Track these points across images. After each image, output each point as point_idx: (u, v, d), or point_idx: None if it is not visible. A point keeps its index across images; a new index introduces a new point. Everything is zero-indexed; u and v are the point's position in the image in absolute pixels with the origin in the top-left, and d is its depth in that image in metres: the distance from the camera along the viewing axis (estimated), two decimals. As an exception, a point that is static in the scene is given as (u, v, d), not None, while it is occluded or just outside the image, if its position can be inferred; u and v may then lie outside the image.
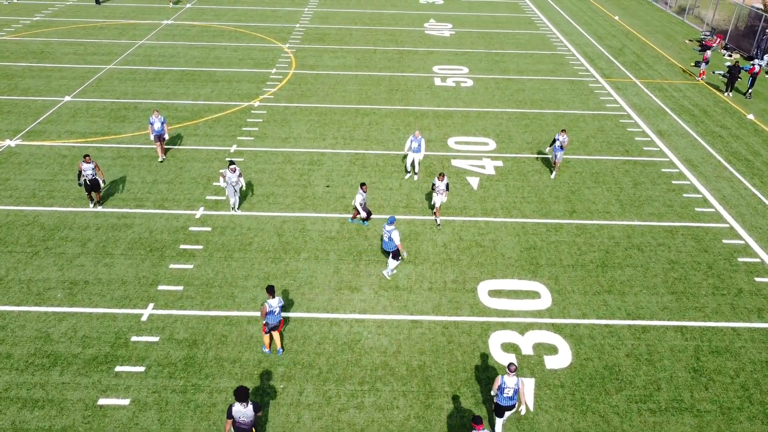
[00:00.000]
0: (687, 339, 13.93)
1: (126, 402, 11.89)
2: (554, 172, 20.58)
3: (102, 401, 11.89)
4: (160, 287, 14.94)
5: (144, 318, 13.98)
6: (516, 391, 10.71)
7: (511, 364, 10.70)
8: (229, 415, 9.99)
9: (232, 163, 17.34)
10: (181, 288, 14.94)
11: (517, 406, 11.53)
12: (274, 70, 29.75)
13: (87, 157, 17.03)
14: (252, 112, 24.96)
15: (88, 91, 26.51)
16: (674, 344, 13.77)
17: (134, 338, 13.41)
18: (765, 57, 32.05)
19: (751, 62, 30.25)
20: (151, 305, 14.37)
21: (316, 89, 27.55)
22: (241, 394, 9.86)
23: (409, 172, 20.22)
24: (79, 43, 32.58)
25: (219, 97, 26.20)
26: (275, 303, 12.29)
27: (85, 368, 12.62)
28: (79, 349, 13.08)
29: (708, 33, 37.70)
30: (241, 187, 17.64)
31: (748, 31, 35.90)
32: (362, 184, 16.91)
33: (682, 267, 16.37)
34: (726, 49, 35.58)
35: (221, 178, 17.43)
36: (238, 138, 22.63)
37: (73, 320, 13.87)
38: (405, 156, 21.39)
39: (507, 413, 11.05)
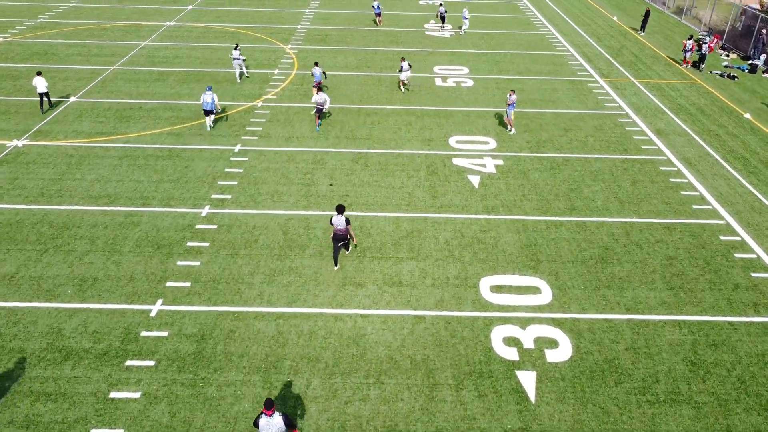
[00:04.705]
0: (684, 333, 14.24)
1: (137, 395, 12.18)
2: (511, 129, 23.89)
3: (113, 394, 12.18)
4: (168, 284, 15.23)
5: (153, 314, 14.28)
6: None
7: None
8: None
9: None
10: (188, 284, 15.24)
11: None
12: (276, 71, 30.05)
13: None
14: (255, 112, 25.25)
15: (93, 91, 26.80)
16: (672, 338, 14.08)
17: (144, 333, 13.70)
18: (762, 57, 32.38)
19: (706, 40, 32.34)
20: (160, 301, 14.66)
21: (319, 89, 27.80)
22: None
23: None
24: (83, 45, 32.87)
25: (222, 97, 26.47)
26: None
27: (96, 362, 12.91)
28: (90, 344, 13.37)
29: (705, 33, 37.98)
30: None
31: (746, 31, 36.24)
32: None
33: (679, 263, 16.68)
34: (723, 49, 35.90)
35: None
36: (242, 138, 22.91)
37: (83, 315, 14.16)
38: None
39: None
